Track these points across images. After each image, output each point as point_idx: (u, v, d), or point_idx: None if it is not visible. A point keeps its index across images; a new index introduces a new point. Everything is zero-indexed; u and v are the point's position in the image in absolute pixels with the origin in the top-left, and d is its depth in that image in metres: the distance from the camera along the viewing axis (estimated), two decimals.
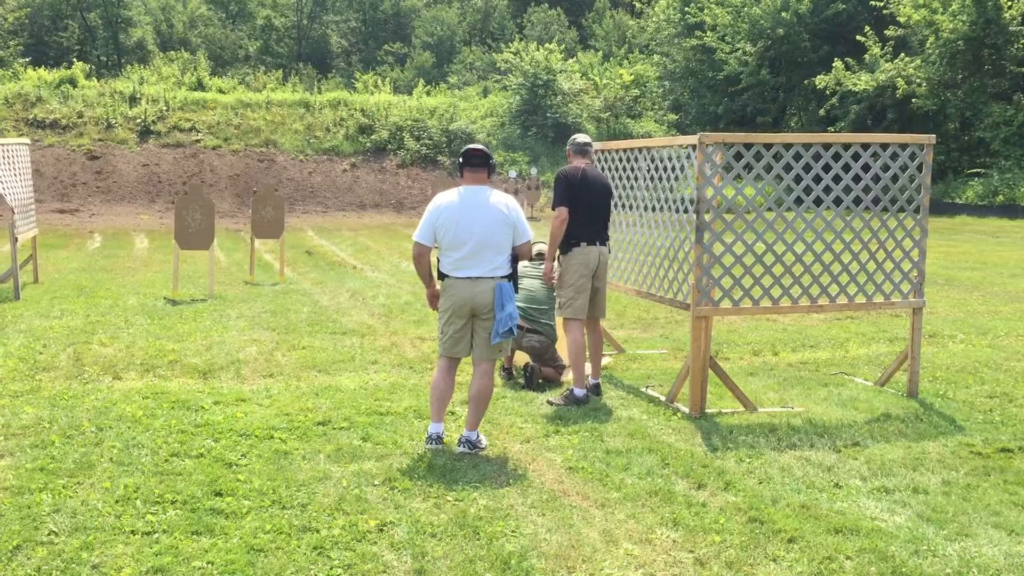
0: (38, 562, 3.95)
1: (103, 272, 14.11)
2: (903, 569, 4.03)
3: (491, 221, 5.45)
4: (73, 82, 33.48)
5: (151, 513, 4.49)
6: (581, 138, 7.05)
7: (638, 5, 48.49)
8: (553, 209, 6.77)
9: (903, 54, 33.53)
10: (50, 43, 54.75)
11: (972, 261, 16.68)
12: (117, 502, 4.62)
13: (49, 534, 4.24)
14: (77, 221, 24.69)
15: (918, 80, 32.31)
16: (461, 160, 5.64)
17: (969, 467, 5.41)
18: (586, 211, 6.73)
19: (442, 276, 5.57)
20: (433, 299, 5.73)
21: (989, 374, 7.81)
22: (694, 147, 6.44)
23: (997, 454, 5.66)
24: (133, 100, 32.52)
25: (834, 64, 34.24)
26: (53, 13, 55.81)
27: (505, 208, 5.52)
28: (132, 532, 4.27)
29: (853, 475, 5.25)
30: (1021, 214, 27.20)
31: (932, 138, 6.97)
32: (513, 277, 5.58)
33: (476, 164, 5.60)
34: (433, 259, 5.61)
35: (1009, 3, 30.58)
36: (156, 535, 4.24)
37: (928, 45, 32.45)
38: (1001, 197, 28.62)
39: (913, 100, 32.25)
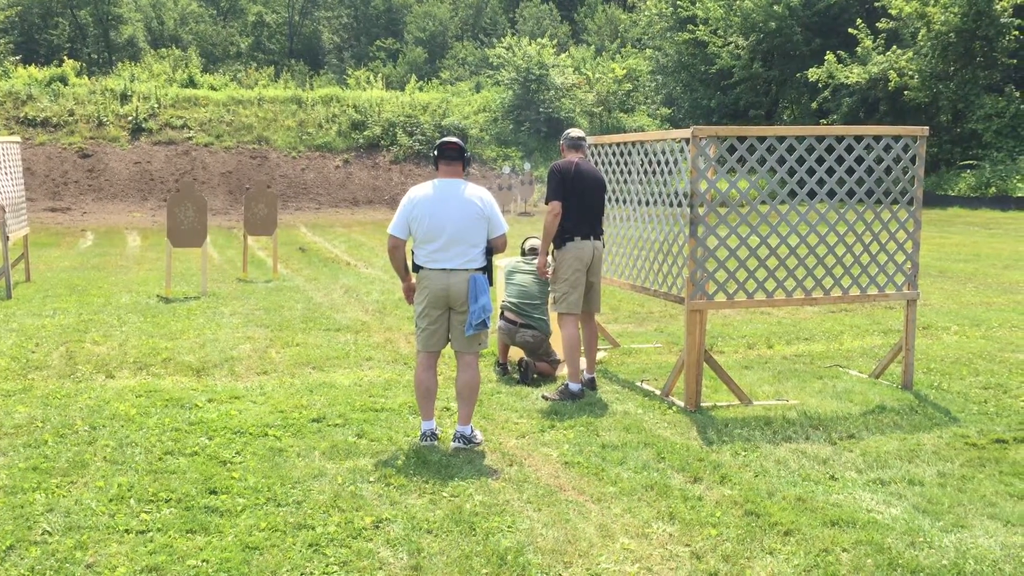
0: (32, 562, 3.93)
1: (95, 270, 14.06)
2: (899, 561, 4.03)
3: (465, 214, 5.45)
4: (64, 80, 33.36)
5: (145, 512, 4.47)
6: (574, 132, 7.03)
7: None
8: (546, 204, 6.76)
9: (895, 46, 33.57)
10: (40, 41, 54.55)
11: (965, 253, 16.71)
12: (111, 501, 4.59)
13: (43, 534, 4.21)
14: (69, 219, 24.61)
15: (910, 72, 32.35)
16: (436, 153, 5.63)
17: (964, 458, 5.41)
18: (580, 205, 6.71)
19: (417, 268, 5.57)
20: (409, 293, 5.72)
21: (983, 365, 7.82)
22: (687, 141, 6.43)
23: (992, 445, 5.67)
24: (124, 98, 32.43)
25: (826, 57, 34.27)
26: (43, 11, 55.59)
27: (479, 201, 5.51)
28: (126, 531, 4.25)
29: (849, 467, 5.25)
30: (1013, 206, 27.28)
31: (925, 130, 6.97)
32: (488, 270, 5.58)
33: (451, 157, 5.59)
34: (408, 251, 5.61)
35: None
36: (150, 534, 4.22)
37: (920, 37, 32.50)
38: (993, 189, 28.69)
39: (905, 92, 32.29)
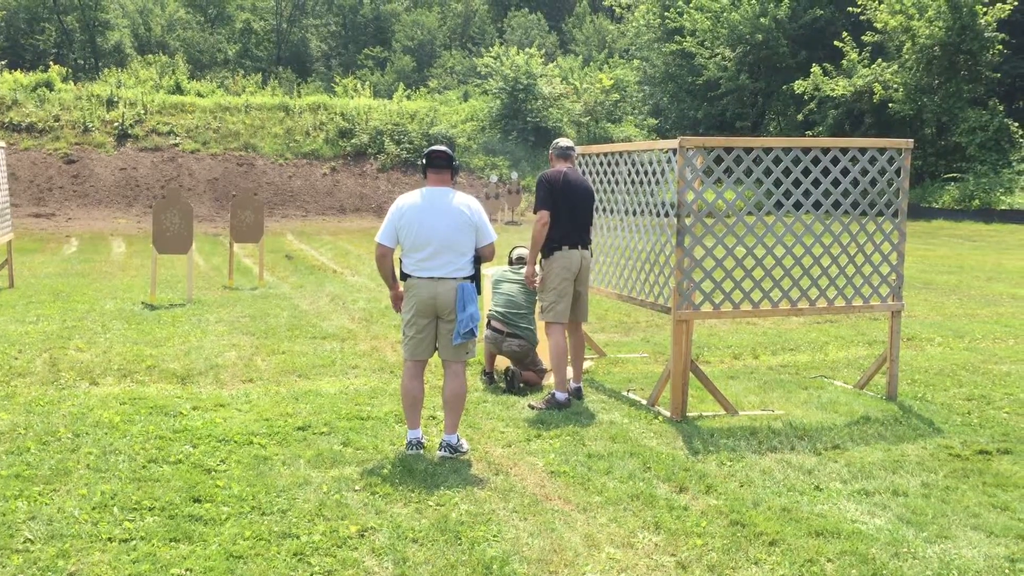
0: (13, 570, 3.89)
1: (79, 277, 13.98)
2: (883, 571, 4.04)
3: (453, 223, 5.45)
4: (50, 85, 33.18)
5: (128, 520, 4.43)
6: (564, 142, 7.05)
7: (618, 10, 48.70)
8: (535, 213, 6.76)
9: (880, 59, 33.83)
10: (26, 46, 54.31)
11: (949, 265, 16.83)
12: (94, 509, 4.56)
13: (24, 542, 4.18)
14: (53, 225, 24.47)
15: (895, 85, 32.60)
16: (424, 161, 5.64)
17: (948, 469, 5.44)
18: (568, 215, 6.73)
19: (405, 277, 5.57)
20: (397, 301, 5.72)
21: (967, 377, 7.87)
22: (675, 151, 6.46)
23: (975, 456, 5.70)
24: (110, 103, 32.27)
25: (812, 69, 34.50)
26: (29, 16, 55.36)
27: (467, 210, 5.51)
28: (109, 539, 4.22)
29: (833, 478, 5.26)
30: (996, 218, 27.50)
31: (910, 142, 7.02)
32: (476, 278, 5.58)
33: (439, 166, 5.60)
34: (396, 259, 5.61)
35: (984, 9, 30.92)
36: (133, 542, 4.19)
37: (905, 51, 32.77)
38: (977, 201, 28.92)
39: (890, 105, 32.54)
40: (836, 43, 34.86)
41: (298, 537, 4.29)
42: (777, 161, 6.66)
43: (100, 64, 53.44)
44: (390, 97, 40.28)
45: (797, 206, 6.90)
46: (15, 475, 5.00)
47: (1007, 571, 4.08)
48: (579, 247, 6.82)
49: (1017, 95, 35.72)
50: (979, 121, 31.12)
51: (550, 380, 7.29)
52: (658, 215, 6.97)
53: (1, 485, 4.85)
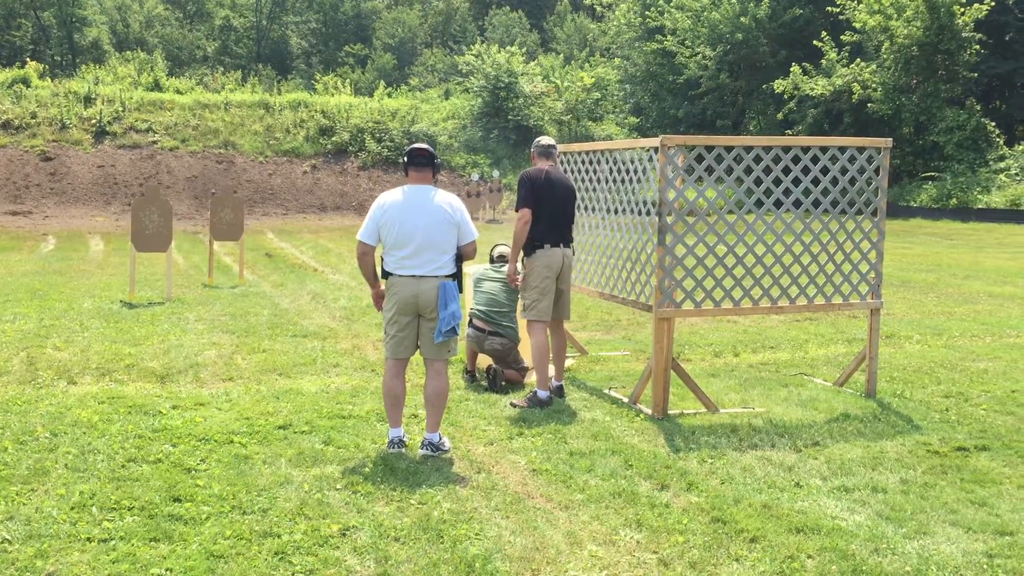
0: None
1: (57, 275, 13.85)
2: (863, 567, 4.07)
3: (435, 221, 5.44)
4: (26, 82, 32.91)
5: (107, 520, 4.40)
6: (545, 140, 7.05)
7: (599, 9, 48.78)
8: (516, 211, 6.76)
9: (859, 59, 34.09)
10: (2, 42, 53.80)
11: (927, 263, 16.97)
12: (72, 509, 4.52)
13: (2, 542, 4.14)
14: (30, 223, 24.24)
15: (873, 85, 32.85)
16: (406, 159, 5.63)
17: (926, 466, 5.49)
18: (550, 213, 6.73)
19: (386, 275, 5.56)
20: (378, 299, 5.71)
21: (945, 374, 7.93)
22: (656, 150, 6.47)
23: (953, 453, 5.75)
24: (88, 100, 32.02)
25: (792, 69, 34.72)
26: (6, 12, 54.85)
27: (449, 208, 5.51)
28: (88, 539, 4.18)
29: (813, 475, 5.29)
30: (973, 217, 27.77)
31: (889, 142, 7.07)
32: (457, 276, 5.57)
33: (421, 163, 5.59)
34: (377, 257, 5.60)
35: (962, 10, 31.20)
36: (113, 542, 4.16)
37: (883, 50, 33.03)
38: (954, 200, 29.19)
39: (869, 104, 32.78)
40: (815, 43, 35.09)
41: (279, 536, 4.27)
42: (758, 160, 6.69)
43: (78, 61, 53.00)
44: (371, 95, 40.23)
45: (777, 204, 6.93)
46: None
47: (985, 566, 4.12)
48: (561, 245, 6.82)
49: (994, 95, 36.12)
50: (956, 121, 31.41)
51: (532, 378, 7.29)
52: (640, 213, 6.98)
53: None
